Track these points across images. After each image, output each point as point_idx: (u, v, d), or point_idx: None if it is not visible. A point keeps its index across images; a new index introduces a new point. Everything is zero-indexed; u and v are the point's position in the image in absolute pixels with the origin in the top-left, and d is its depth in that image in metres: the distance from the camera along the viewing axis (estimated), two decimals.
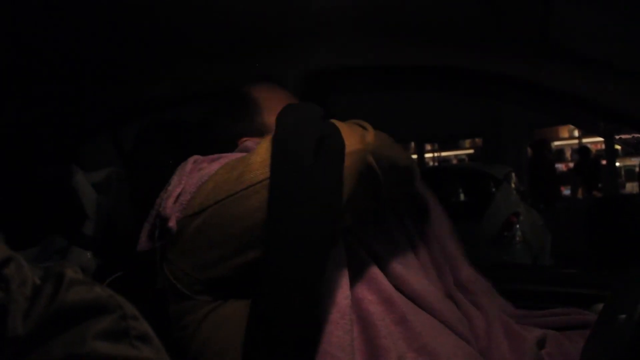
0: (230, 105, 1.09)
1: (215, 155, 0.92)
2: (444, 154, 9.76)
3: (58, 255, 1.45)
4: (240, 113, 1.06)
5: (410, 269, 0.93)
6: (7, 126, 1.47)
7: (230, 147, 1.01)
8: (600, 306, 0.95)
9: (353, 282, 0.84)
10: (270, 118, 1.02)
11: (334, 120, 0.90)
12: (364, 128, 0.88)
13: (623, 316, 0.70)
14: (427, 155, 9.52)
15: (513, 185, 4.48)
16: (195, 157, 0.92)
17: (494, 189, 4.32)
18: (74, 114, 1.52)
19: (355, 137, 0.84)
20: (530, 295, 1.40)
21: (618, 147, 7.11)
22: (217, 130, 1.07)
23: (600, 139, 7.46)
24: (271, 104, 1.05)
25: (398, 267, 0.91)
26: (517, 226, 3.96)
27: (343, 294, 0.80)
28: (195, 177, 0.85)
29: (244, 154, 0.88)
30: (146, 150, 1.17)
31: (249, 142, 1.00)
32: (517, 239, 3.93)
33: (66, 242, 1.46)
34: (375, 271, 0.88)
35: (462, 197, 4.81)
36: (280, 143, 0.82)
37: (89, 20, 1.08)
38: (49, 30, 1.10)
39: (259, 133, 1.02)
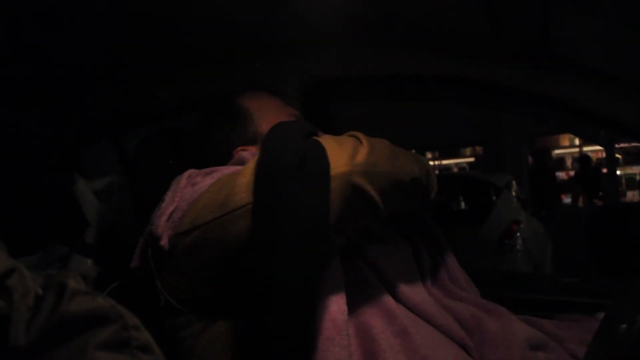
0: (222, 115, 1.08)
1: (210, 169, 0.90)
2: (444, 162, 9.77)
3: (59, 262, 1.45)
4: (232, 123, 1.05)
5: (412, 281, 0.92)
6: (9, 133, 1.48)
7: (226, 157, 1.00)
8: (601, 315, 0.95)
9: (354, 296, 0.83)
10: (263, 126, 1.02)
11: (325, 136, 0.87)
12: (359, 140, 0.84)
13: (624, 326, 0.70)
14: None
15: (514, 194, 4.47)
16: (190, 171, 0.90)
17: (494, 197, 4.31)
18: (75, 121, 1.53)
19: (342, 158, 0.79)
20: (531, 304, 1.39)
21: (619, 155, 7.11)
22: (211, 142, 1.07)
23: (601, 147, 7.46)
24: (263, 113, 1.05)
25: (399, 279, 0.90)
26: (518, 234, 3.95)
27: (339, 309, 0.78)
28: (188, 193, 0.84)
29: (237, 168, 0.87)
30: (149, 157, 1.17)
31: (244, 153, 0.99)
32: (518, 247, 3.91)
33: (67, 249, 1.46)
34: (376, 284, 0.87)
35: (462, 205, 4.81)
36: (261, 166, 0.79)
37: (92, 26, 1.09)
38: (52, 37, 1.11)
39: (254, 142, 1.02)
